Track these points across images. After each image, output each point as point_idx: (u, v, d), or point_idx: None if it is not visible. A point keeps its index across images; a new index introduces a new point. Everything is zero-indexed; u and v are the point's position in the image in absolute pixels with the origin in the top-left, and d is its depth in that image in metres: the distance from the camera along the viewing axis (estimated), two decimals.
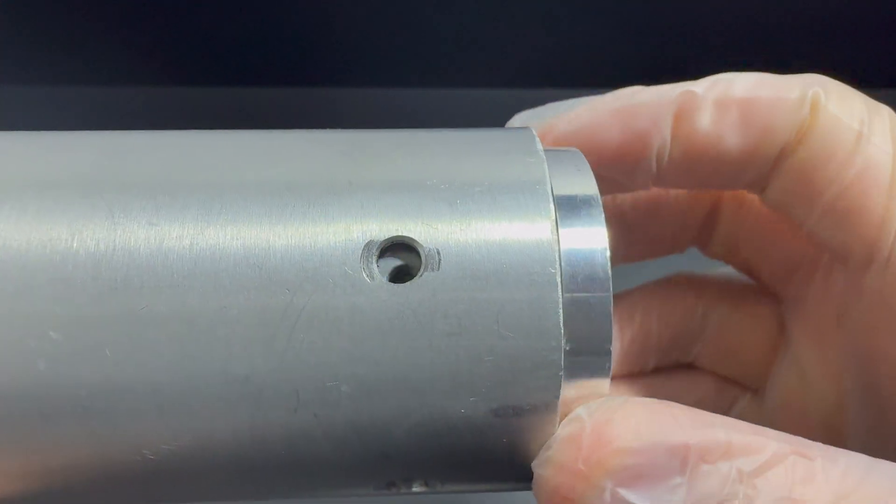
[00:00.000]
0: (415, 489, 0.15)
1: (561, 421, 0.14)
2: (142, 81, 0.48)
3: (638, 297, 0.23)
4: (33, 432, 0.13)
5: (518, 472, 0.14)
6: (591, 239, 0.14)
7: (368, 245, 0.13)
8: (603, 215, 0.14)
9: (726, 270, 0.23)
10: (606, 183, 0.19)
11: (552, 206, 0.14)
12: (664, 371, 0.23)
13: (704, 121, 0.17)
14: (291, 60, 0.49)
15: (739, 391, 0.22)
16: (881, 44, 0.46)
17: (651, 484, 0.12)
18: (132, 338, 0.13)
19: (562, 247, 0.14)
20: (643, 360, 0.23)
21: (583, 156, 0.16)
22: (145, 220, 0.13)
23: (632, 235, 0.22)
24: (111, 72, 0.48)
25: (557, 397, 0.13)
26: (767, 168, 0.18)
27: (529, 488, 0.15)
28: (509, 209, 0.14)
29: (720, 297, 0.22)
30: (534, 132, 0.16)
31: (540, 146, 0.15)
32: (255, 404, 0.13)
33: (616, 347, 0.22)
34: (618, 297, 0.23)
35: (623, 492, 0.12)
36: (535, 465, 0.14)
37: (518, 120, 0.20)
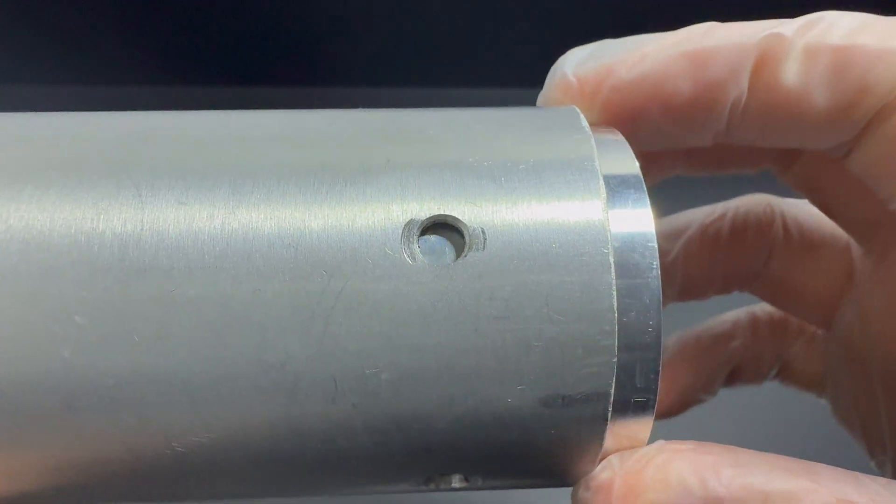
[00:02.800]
0: (454, 485, 0.14)
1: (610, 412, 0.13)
2: (142, 81, 0.48)
3: (704, 227, 0.21)
4: (58, 424, 0.12)
5: (564, 467, 0.14)
6: (638, 221, 0.13)
7: (409, 224, 0.13)
8: (647, 197, 0.13)
9: (801, 202, 0.21)
10: (662, 137, 0.17)
11: (602, 184, 0.13)
12: (719, 322, 0.23)
13: (791, 72, 0.15)
14: (291, 60, 0.49)
15: (795, 334, 0.23)
16: None
17: None
18: (162, 323, 0.12)
19: (612, 230, 0.13)
20: (703, 290, 0.22)
21: (620, 134, 0.15)
22: (174, 199, 0.13)
23: (695, 150, 0.19)
24: (111, 72, 0.48)
25: (610, 386, 0.13)
26: (857, 131, 0.15)
27: (574, 483, 0.15)
28: (557, 187, 0.13)
29: (790, 240, 0.21)
30: (577, 109, 0.15)
31: (585, 123, 0.14)
32: (290, 394, 0.12)
33: (677, 279, 0.21)
34: (683, 226, 0.22)
35: None
36: (573, 498, 0.14)
37: (570, 60, 0.17)
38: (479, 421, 0.13)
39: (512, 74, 0.49)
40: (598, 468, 0.13)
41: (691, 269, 0.22)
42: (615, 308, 0.12)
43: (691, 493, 0.12)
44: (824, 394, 0.23)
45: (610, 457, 0.13)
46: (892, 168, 0.15)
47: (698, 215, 0.22)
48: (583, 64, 0.16)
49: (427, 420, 0.13)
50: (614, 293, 0.12)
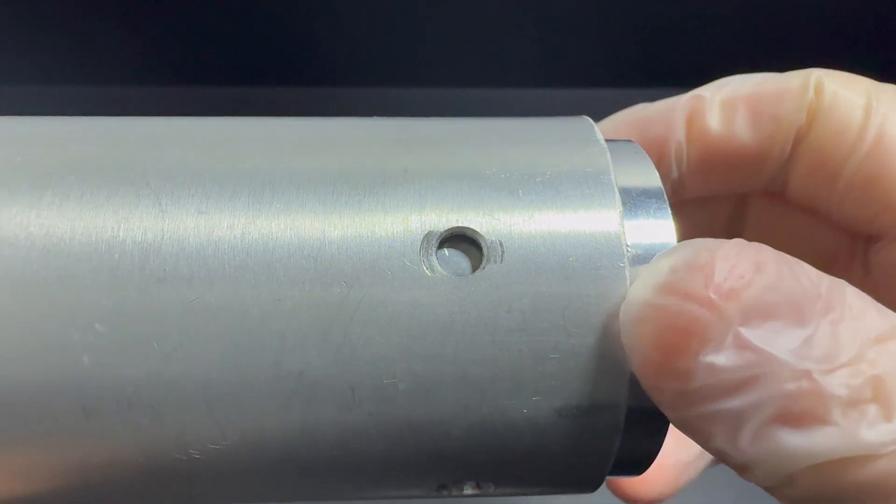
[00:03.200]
0: (466, 492, 0.14)
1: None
2: (142, 81, 0.48)
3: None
4: (75, 427, 0.12)
5: (577, 475, 0.14)
6: (658, 233, 0.13)
7: (428, 236, 0.13)
8: (669, 209, 0.14)
9: None
10: None
11: (618, 197, 0.13)
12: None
13: (714, 120, 0.18)
14: (291, 60, 0.49)
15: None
16: (882, 42, 0.46)
17: (780, 329, 0.11)
18: (181, 330, 0.12)
19: (628, 242, 0.13)
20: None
21: (641, 148, 0.15)
22: (194, 209, 0.13)
23: None
24: (111, 72, 0.48)
25: (624, 396, 0.13)
26: (784, 158, 0.18)
27: (586, 491, 0.15)
28: (573, 200, 0.13)
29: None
30: (591, 121, 0.15)
31: (600, 135, 0.14)
32: (307, 401, 0.12)
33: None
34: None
35: (748, 333, 0.11)
36: (635, 293, 0.12)
37: None
38: (493, 430, 0.13)
39: (512, 74, 0.49)
40: (669, 254, 0.12)
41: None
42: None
43: (795, 284, 0.11)
44: None
45: (664, 253, 0.12)
46: (821, 176, 0.17)
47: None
48: None
49: (442, 428, 0.13)
50: None
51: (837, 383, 0.11)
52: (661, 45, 0.48)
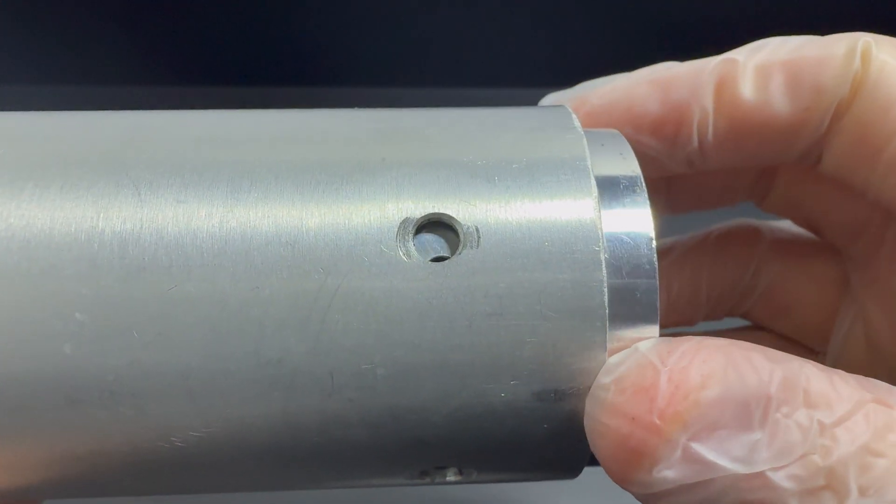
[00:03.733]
0: (449, 478, 0.14)
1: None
2: (142, 81, 0.48)
3: (688, 248, 0.21)
4: (59, 418, 0.12)
5: (556, 460, 0.14)
6: (635, 222, 0.13)
7: (404, 223, 0.13)
8: (647, 198, 0.14)
9: (784, 223, 0.21)
10: (646, 162, 0.17)
11: (593, 182, 0.13)
12: (721, 329, 0.22)
13: (748, 88, 0.16)
14: (291, 60, 0.49)
15: (802, 352, 0.20)
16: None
17: (728, 438, 0.11)
18: (161, 319, 0.12)
19: (605, 229, 0.13)
20: (690, 314, 0.21)
21: (624, 137, 0.15)
22: (172, 198, 0.13)
23: (675, 186, 0.20)
24: (111, 72, 0.48)
25: None
26: (822, 132, 0.16)
27: (567, 477, 0.15)
28: (549, 186, 0.13)
29: (777, 251, 0.21)
30: (569, 109, 0.15)
31: (577, 123, 0.14)
32: (288, 388, 0.12)
33: (662, 300, 0.20)
34: (666, 249, 0.22)
35: (697, 447, 0.11)
36: (593, 407, 0.12)
37: (550, 97, 0.19)
38: (473, 415, 0.13)
39: (512, 74, 0.49)
40: (621, 361, 0.12)
41: (677, 290, 0.21)
42: (606, 305, 0.12)
43: (739, 392, 0.11)
44: None
45: (639, 347, 0.12)
46: (861, 153, 0.16)
47: (682, 239, 0.22)
48: (561, 97, 0.18)
49: (422, 413, 0.13)
50: (605, 291, 0.12)
51: (789, 476, 0.11)
52: (660, 45, 0.48)
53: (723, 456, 0.11)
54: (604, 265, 0.13)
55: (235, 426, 0.13)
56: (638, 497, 0.12)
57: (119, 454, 0.13)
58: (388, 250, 0.12)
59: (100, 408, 0.12)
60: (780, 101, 0.16)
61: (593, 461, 0.13)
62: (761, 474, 0.11)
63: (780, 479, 0.11)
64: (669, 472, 0.11)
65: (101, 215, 0.13)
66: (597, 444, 0.12)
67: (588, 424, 0.13)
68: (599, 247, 0.13)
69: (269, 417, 0.13)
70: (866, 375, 0.19)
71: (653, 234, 0.13)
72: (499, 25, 0.47)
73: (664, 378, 0.11)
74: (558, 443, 0.13)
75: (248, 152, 0.14)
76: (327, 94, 0.49)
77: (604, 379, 0.12)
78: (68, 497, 0.15)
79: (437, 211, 0.13)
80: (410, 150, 0.14)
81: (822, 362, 0.21)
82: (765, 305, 0.21)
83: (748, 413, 0.11)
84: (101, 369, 0.12)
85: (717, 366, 0.11)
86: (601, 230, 0.13)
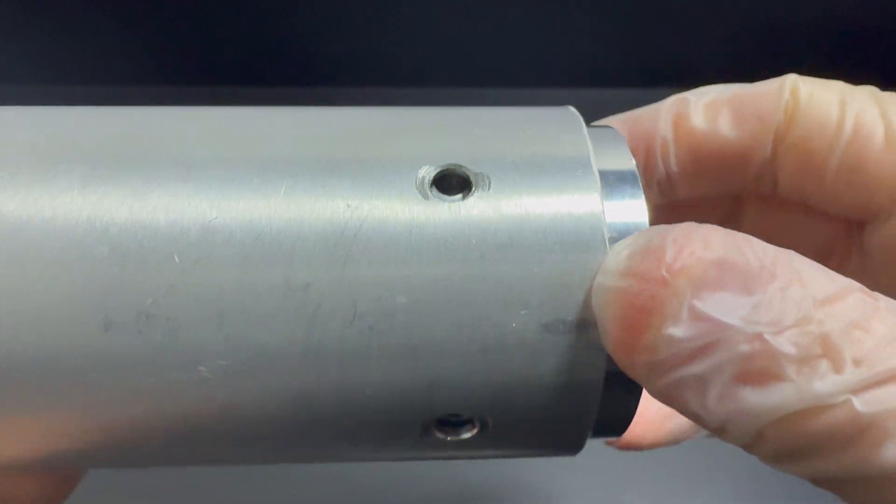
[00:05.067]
0: (464, 435, 0.15)
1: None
2: (142, 81, 0.48)
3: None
4: (94, 344, 0.13)
5: (567, 396, 0.14)
6: (631, 212, 0.14)
7: (425, 171, 0.14)
8: (641, 189, 0.15)
9: None
10: None
11: (588, 142, 0.15)
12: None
13: (699, 119, 0.19)
14: (291, 60, 0.49)
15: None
16: (882, 43, 0.47)
17: (730, 299, 0.12)
18: (201, 245, 0.13)
19: (607, 218, 0.14)
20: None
21: (618, 131, 0.16)
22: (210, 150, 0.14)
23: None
24: (111, 72, 0.48)
25: None
26: (768, 155, 0.18)
27: (571, 450, 0.15)
28: (551, 142, 0.15)
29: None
30: (573, 109, 0.16)
31: (574, 110, 0.16)
32: (313, 314, 0.13)
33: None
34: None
35: (701, 305, 0.12)
36: (601, 280, 0.13)
37: None
38: (485, 347, 0.14)
39: (512, 74, 0.49)
40: (625, 243, 0.13)
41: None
42: (606, 240, 0.13)
43: (741, 257, 0.12)
44: None
45: (623, 241, 0.13)
46: (808, 170, 0.18)
47: None
48: None
49: (438, 346, 0.14)
50: (604, 223, 0.14)
51: (787, 342, 0.12)
52: (661, 45, 0.48)
53: (726, 314, 0.12)
54: (601, 198, 0.14)
55: (260, 354, 0.13)
56: (643, 375, 0.13)
57: (146, 391, 0.14)
58: (407, 192, 0.14)
59: (134, 333, 0.13)
60: (727, 129, 0.18)
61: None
62: (761, 339, 0.12)
63: (780, 344, 0.12)
64: (676, 330, 0.12)
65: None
66: (605, 313, 0.13)
67: (597, 298, 0.13)
68: (598, 191, 0.14)
69: (293, 346, 0.13)
70: None
71: (647, 222, 0.14)
72: (499, 25, 0.47)
73: (670, 240, 0.12)
74: (568, 382, 0.14)
75: (286, 121, 0.16)
76: (328, 95, 0.49)
77: (612, 257, 0.13)
78: (100, 459, 0.15)
79: (452, 163, 0.14)
80: (426, 123, 0.15)
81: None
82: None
83: (747, 279, 0.12)
84: (141, 292, 0.13)
85: (717, 236, 0.13)
86: (596, 172, 0.14)
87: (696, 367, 0.12)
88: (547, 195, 0.14)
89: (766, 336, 0.12)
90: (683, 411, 0.13)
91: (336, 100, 0.49)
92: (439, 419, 0.15)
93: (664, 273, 0.12)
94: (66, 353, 0.13)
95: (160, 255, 0.13)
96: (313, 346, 0.13)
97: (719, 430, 0.13)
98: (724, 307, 0.12)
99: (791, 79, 0.18)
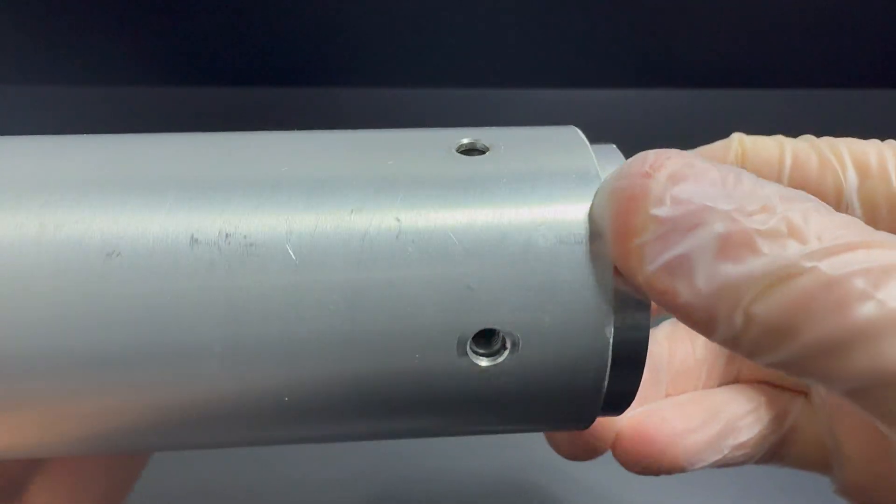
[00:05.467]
0: (497, 359, 0.16)
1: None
2: (142, 81, 0.48)
3: (678, 326, 0.24)
4: (183, 256, 0.15)
5: (582, 317, 0.16)
6: None
7: (450, 144, 0.17)
8: None
9: None
10: None
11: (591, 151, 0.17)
12: (714, 389, 0.24)
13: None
14: (291, 60, 0.49)
15: (790, 396, 0.23)
16: (882, 43, 0.47)
17: (706, 187, 0.15)
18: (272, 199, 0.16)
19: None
20: (691, 381, 0.24)
21: (617, 149, 0.18)
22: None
23: None
24: (111, 72, 0.48)
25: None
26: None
27: (593, 370, 0.17)
28: (552, 141, 0.18)
29: None
30: (576, 129, 0.18)
31: (584, 138, 0.18)
32: (364, 230, 0.16)
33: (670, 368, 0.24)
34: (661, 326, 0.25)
35: (679, 191, 0.15)
36: (599, 189, 0.16)
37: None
38: (513, 258, 0.16)
39: (512, 74, 0.49)
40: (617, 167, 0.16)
41: None
42: (597, 168, 0.17)
43: (710, 166, 0.15)
44: (831, 471, 0.23)
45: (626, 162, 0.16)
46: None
47: None
48: None
49: (472, 256, 0.16)
50: (593, 154, 0.17)
51: (758, 222, 0.14)
52: (661, 46, 0.48)
53: (703, 197, 0.14)
54: (595, 159, 0.17)
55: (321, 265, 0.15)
56: (637, 265, 0.15)
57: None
58: (438, 155, 0.17)
59: (214, 249, 0.15)
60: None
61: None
62: (734, 219, 0.14)
63: (750, 222, 0.14)
64: (660, 211, 0.15)
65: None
66: (604, 210, 0.16)
67: (597, 202, 0.16)
68: (592, 156, 0.17)
69: (346, 259, 0.16)
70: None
71: None
72: (499, 26, 0.47)
73: (653, 151, 0.15)
74: (582, 302, 0.16)
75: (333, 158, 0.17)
76: (328, 95, 0.49)
77: (612, 171, 0.16)
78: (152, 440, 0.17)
79: (470, 140, 0.17)
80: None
81: (811, 401, 0.23)
82: (749, 362, 0.24)
83: (716, 176, 0.15)
84: (220, 212, 0.15)
85: (691, 153, 0.16)
86: (592, 153, 0.17)
87: (681, 247, 0.14)
88: (548, 150, 0.17)
89: (737, 216, 0.14)
90: (675, 303, 0.15)
91: (336, 100, 0.49)
92: (474, 337, 0.16)
93: (647, 169, 0.15)
94: (157, 264, 0.15)
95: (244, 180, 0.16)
96: (366, 256, 0.15)
97: (709, 322, 0.14)
98: (700, 194, 0.14)
99: (737, 135, 0.21)
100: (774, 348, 0.14)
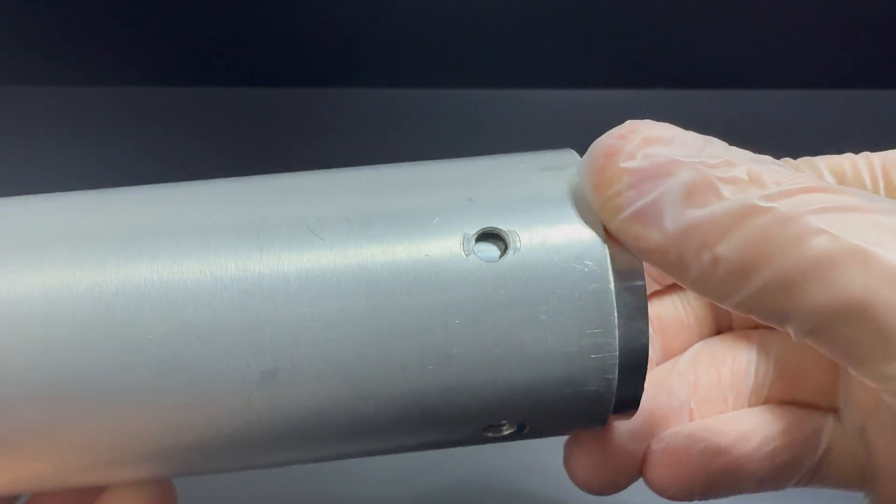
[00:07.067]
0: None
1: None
2: (142, 81, 0.48)
3: (702, 352, 0.23)
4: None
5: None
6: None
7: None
8: None
9: None
10: None
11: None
12: (742, 411, 0.23)
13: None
14: (291, 60, 0.49)
15: (820, 414, 0.22)
16: (882, 43, 0.47)
17: (672, 147, 0.16)
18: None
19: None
20: (714, 406, 0.23)
21: None
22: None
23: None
24: (111, 72, 0.48)
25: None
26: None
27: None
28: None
29: (774, 337, 0.23)
30: (573, 151, 0.19)
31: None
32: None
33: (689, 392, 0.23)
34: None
35: (649, 149, 0.16)
36: (587, 153, 0.17)
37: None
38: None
39: (513, 75, 0.49)
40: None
41: None
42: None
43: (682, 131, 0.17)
44: (866, 489, 0.22)
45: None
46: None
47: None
48: None
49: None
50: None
51: (721, 171, 0.15)
52: (661, 46, 0.48)
53: (673, 154, 0.16)
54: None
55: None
56: (613, 214, 0.16)
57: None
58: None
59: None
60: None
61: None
62: (699, 169, 0.15)
63: (714, 171, 0.15)
64: (632, 163, 0.16)
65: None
66: (585, 168, 0.17)
67: (582, 164, 0.17)
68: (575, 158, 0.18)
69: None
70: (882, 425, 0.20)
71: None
72: (500, 26, 0.47)
73: (627, 122, 0.17)
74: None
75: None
76: (328, 95, 0.49)
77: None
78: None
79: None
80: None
81: (841, 419, 0.22)
82: (778, 383, 0.23)
83: (684, 139, 0.16)
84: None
85: (666, 124, 0.17)
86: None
87: (651, 195, 0.15)
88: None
89: (701, 167, 0.15)
90: (648, 247, 0.16)
91: (336, 100, 0.49)
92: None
93: (622, 132, 0.16)
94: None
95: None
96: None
97: (680, 263, 0.15)
98: (668, 151, 0.16)
99: None
100: (739, 287, 0.15)
